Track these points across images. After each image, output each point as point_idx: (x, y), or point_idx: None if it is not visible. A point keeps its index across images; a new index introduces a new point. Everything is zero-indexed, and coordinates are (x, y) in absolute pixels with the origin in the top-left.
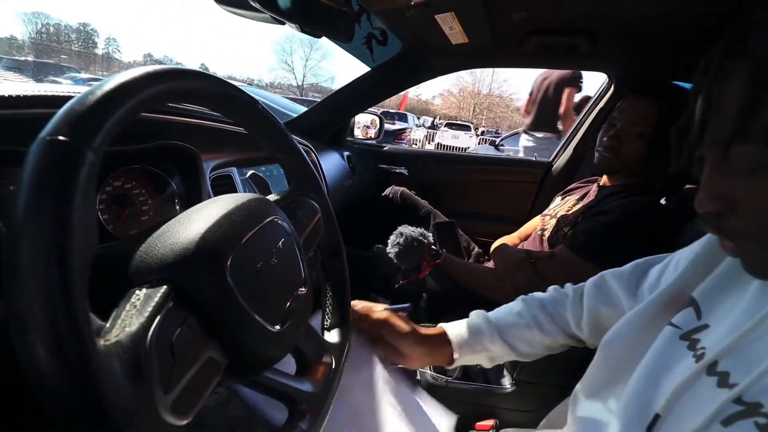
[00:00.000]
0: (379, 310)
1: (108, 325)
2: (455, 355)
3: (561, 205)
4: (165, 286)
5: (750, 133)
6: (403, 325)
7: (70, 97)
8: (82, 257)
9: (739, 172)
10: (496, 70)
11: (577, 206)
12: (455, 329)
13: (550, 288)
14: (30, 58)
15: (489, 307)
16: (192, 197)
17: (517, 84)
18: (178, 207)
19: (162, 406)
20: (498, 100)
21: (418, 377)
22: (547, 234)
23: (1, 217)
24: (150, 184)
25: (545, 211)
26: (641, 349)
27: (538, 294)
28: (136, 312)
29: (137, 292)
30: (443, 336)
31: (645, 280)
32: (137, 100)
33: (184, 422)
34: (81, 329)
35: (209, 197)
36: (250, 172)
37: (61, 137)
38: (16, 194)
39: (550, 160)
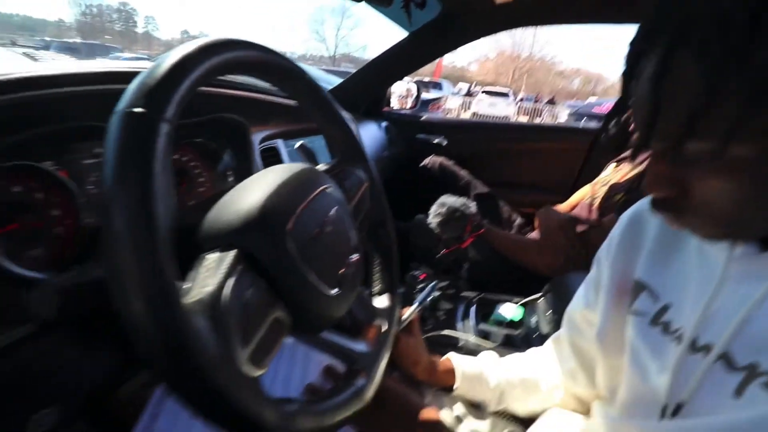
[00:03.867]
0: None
1: (186, 286)
2: (455, 389)
3: (614, 173)
4: (234, 251)
5: (704, 130)
6: (415, 353)
7: (132, 73)
8: (167, 221)
9: (692, 164)
10: (538, 31)
11: (633, 173)
12: (464, 374)
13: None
14: (78, 40)
15: (530, 279)
16: (243, 169)
17: (560, 46)
18: (231, 179)
19: (241, 358)
20: (539, 64)
21: None
22: (597, 202)
23: (80, 187)
24: (203, 157)
25: (596, 179)
26: (620, 341)
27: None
28: (210, 274)
29: (208, 256)
30: (450, 372)
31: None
32: (200, 72)
33: (260, 373)
34: (170, 287)
35: (259, 169)
36: (299, 143)
37: (137, 109)
38: (89, 168)
39: (601, 126)
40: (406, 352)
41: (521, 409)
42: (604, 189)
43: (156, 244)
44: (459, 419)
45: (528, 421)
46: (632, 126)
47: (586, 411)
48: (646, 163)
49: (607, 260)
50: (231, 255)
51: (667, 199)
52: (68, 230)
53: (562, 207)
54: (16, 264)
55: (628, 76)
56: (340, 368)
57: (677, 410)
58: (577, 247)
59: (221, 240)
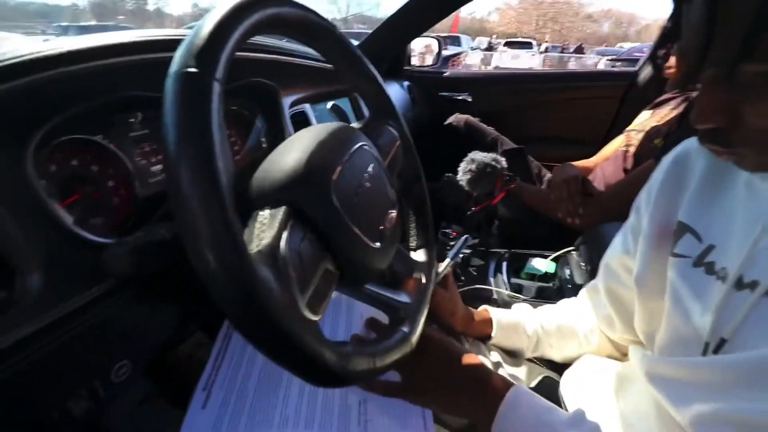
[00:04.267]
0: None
1: (245, 240)
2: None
3: (651, 118)
4: (284, 207)
5: (760, 51)
6: (452, 304)
7: (172, 40)
8: (228, 175)
9: (744, 88)
10: None
11: (672, 115)
12: (500, 323)
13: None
14: (93, 23)
15: (562, 233)
16: (276, 134)
17: None
18: (265, 145)
19: (301, 302)
20: (565, 8)
21: None
22: (632, 149)
23: (130, 159)
24: (236, 125)
25: (630, 127)
26: (660, 284)
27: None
28: (266, 228)
29: (261, 213)
30: (486, 322)
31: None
32: (241, 31)
33: (318, 318)
34: (239, 238)
35: (290, 134)
36: (330, 104)
37: (190, 69)
38: (135, 140)
39: (636, 69)
40: (443, 304)
41: (557, 355)
42: (640, 135)
43: (223, 198)
44: (497, 365)
45: (563, 366)
46: (672, 63)
47: (621, 356)
48: (689, 101)
49: (647, 205)
50: (282, 211)
51: (718, 130)
52: (123, 200)
53: (590, 161)
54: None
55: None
56: (382, 321)
57: (719, 347)
58: (581, 205)
59: (271, 197)
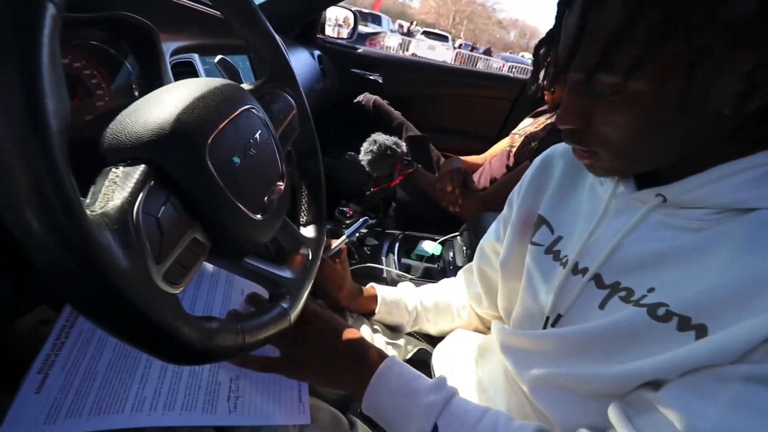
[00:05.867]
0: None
1: (88, 199)
2: (376, 313)
3: (531, 125)
4: (143, 165)
5: (614, 63)
6: (340, 278)
7: None
8: (60, 119)
9: (599, 96)
10: None
11: (547, 122)
12: (384, 299)
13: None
14: None
15: (451, 219)
16: (152, 83)
17: None
18: (137, 93)
19: (156, 274)
20: (480, 9)
21: None
22: (514, 150)
23: None
24: (102, 65)
25: (515, 130)
26: (519, 268)
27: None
28: (117, 187)
29: (114, 169)
30: (371, 298)
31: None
32: None
33: (178, 291)
34: (69, 195)
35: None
36: (218, 57)
37: None
38: None
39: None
40: (332, 276)
41: (433, 329)
42: (521, 138)
43: (49, 144)
44: (378, 340)
45: (437, 340)
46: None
47: (486, 330)
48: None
49: (517, 199)
50: (139, 169)
51: (576, 131)
52: None
53: (479, 157)
54: None
55: (563, 5)
56: (264, 297)
57: (556, 321)
58: (461, 196)
59: (127, 153)
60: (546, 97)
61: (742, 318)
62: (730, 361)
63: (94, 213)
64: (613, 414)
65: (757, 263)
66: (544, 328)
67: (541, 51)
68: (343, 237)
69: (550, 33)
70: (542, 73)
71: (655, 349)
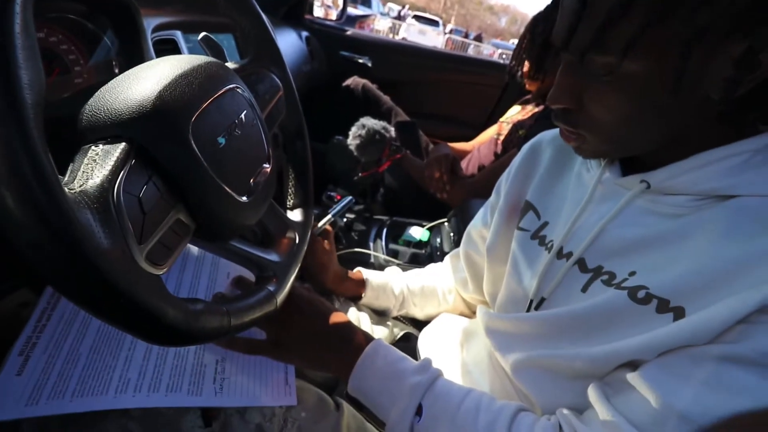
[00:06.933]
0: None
1: (67, 177)
2: (363, 297)
3: (518, 113)
4: (123, 143)
5: (609, 43)
6: (327, 260)
7: None
8: (36, 92)
9: (592, 76)
10: None
11: (535, 111)
12: (371, 284)
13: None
14: None
15: (439, 205)
16: (132, 60)
17: None
18: (116, 70)
19: (138, 254)
20: None
21: None
22: (501, 138)
23: None
24: (80, 40)
25: (502, 118)
26: (505, 253)
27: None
28: (96, 165)
29: (93, 147)
30: (358, 282)
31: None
32: None
33: (161, 272)
34: (46, 171)
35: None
36: (202, 35)
37: None
38: None
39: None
40: (319, 257)
41: (419, 313)
42: (509, 126)
43: (24, 117)
44: (364, 323)
45: (423, 324)
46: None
47: (471, 314)
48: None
49: (505, 185)
50: (120, 148)
51: (566, 111)
52: None
53: (472, 143)
54: None
55: None
56: (250, 280)
57: (539, 304)
58: (448, 183)
59: (106, 131)
60: (527, 86)
61: (719, 301)
62: (706, 341)
63: (72, 191)
64: (592, 393)
65: (735, 249)
66: (528, 311)
67: (537, 28)
68: (329, 215)
69: (546, 10)
70: (529, 52)
71: (634, 330)
